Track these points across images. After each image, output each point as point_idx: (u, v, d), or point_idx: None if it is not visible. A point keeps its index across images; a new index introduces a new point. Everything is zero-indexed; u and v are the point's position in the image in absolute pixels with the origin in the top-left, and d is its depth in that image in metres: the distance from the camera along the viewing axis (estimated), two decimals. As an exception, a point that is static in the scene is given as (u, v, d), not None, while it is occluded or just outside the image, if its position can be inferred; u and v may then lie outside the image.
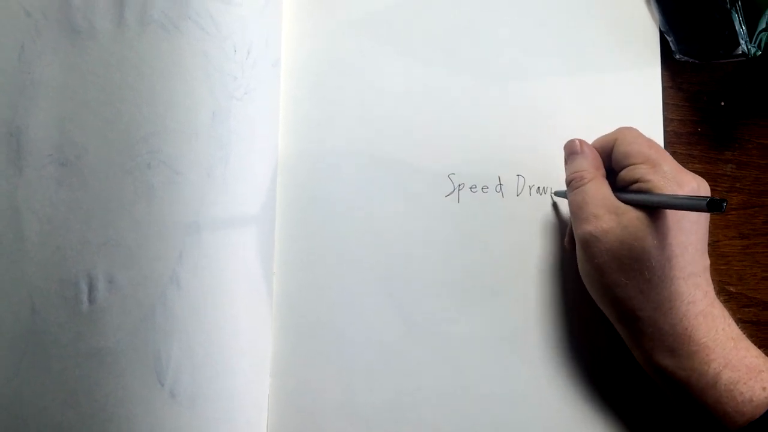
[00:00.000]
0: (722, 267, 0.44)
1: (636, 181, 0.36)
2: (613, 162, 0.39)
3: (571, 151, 0.40)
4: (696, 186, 0.36)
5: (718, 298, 0.43)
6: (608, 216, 0.36)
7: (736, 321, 0.37)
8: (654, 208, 0.35)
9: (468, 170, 0.44)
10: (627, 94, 0.46)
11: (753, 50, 0.41)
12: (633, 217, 0.35)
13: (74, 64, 0.39)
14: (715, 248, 0.45)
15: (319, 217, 0.44)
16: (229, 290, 0.39)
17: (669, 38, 0.45)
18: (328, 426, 0.42)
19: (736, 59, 0.42)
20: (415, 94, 0.45)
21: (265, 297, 0.42)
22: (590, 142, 0.41)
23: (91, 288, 0.38)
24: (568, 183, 0.40)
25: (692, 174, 0.37)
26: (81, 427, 0.37)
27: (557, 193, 0.44)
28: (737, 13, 0.41)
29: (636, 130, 0.39)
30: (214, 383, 0.39)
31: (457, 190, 0.44)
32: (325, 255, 0.43)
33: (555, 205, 0.44)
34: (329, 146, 0.44)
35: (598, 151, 0.40)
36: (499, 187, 0.44)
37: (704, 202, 0.28)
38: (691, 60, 0.45)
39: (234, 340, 0.39)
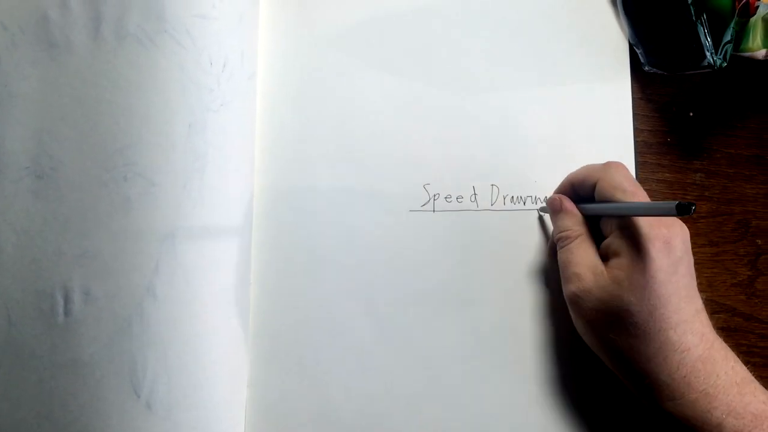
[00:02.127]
0: (693, 274, 0.45)
1: (613, 199, 0.37)
2: (596, 195, 0.39)
3: (554, 209, 0.42)
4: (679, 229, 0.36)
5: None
6: (589, 275, 0.37)
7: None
8: (624, 217, 0.35)
9: (443, 180, 0.45)
10: (598, 105, 0.46)
11: (719, 62, 0.42)
12: (610, 276, 0.36)
13: (51, 78, 0.39)
14: (685, 256, 0.45)
15: (296, 228, 0.44)
16: (205, 301, 0.39)
17: (638, 51, 0.46)
18: (305, 435, 0.42)
19: (703, 71, 0.43)
20: (389, 107, 0.45)
21: (241, 307, 0.42)
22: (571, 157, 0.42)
23: (67, 300, 0.38)
24: (556, 241, 0.41)
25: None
26: (56, 438, 0.37)
27: (543, 209, 0.45)
28: (703, 26, 0.42)
29: (624, 169, 0.39)
30: (191, 394, 0.39)
31: (432, 200, 0.45)
32: (301, 265, 0.43)
33: (541, 219, 0.45)
34: (305, 158, 0.45)
35: (580, 180, 0.41)
36: (473, 197, 0.45)
37: (673, 206, 0.29)
38: (660, 72, 0.46)
39: (211, 351, 0.39)
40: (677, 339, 0.35)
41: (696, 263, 0.45)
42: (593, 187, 0.39)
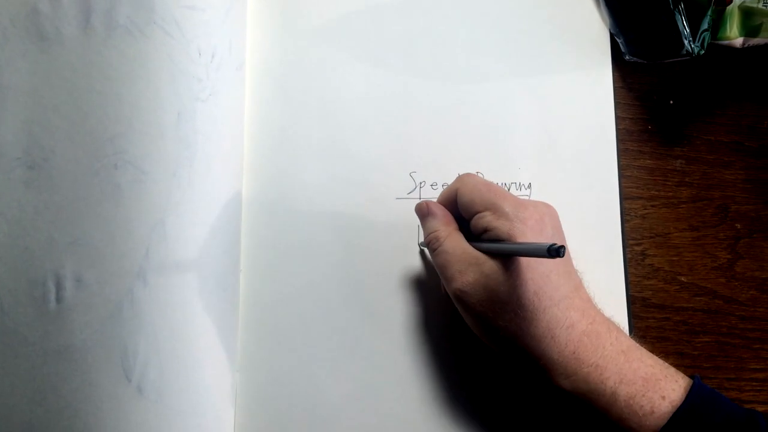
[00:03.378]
0: (674, 258, 0.46)
1: (485, 230, 0.37)
2: (461, 211, 0.39)
3: (421, 214, 0.41)
4: (539, 217, 0.36)
5: (671, 287, 0.45)
6: (470, 269, 0.36)
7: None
8: (506, 256, 0.35)
9: (428, 168, 0.46)
10: (580, 94, 0.47)
11: (696, 49, 0.43)
12: (492, 264, 0.35)
13: (42, 70, 0.40)
14: (666, 240, 0.46)
15: (285, 216, 0.45)
16: (195, 286, 0.40)
17: (619, 40, 0.47)
18: (294, 418, 0.42)
19: (682, 59, 0.44)
20: (375, 97, 0.46)
21: (231, 293, 0.43)
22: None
23: (59, 287, 0.38)
24: (427, 245, 0.40)
25: (534, 204, 0.37)
26: (49, 423, 0.38)
27: (423, 244, 0.45)
28: (680, 14, 0.43)
29: (474, 177, 0.40)
30: (181, 378, 0.39)
31: (418, 187, 0.46)
32: (290, 251, 0.44)
33: (422, 253, 0.45)
34: (293, 147, 0.45)
35: (446, 203, 0.41)
36: (458, 183, 0.46)
37: (545, 249, 0.30)
38: (640, 61, 0.46)
39: (201, 335, 0.40)
40: (561, 315, 0.35)
41: (677, 247, 0.46)
42: (455, 202, 0.39)
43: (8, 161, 0.40)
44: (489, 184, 0.38)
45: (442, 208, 0.40)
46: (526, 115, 0.47)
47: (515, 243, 0.35)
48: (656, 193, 0.47)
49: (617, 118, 0.47)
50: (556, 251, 0.29)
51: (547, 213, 0.37)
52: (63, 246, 0.39)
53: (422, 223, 0.41)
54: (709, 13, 0.43)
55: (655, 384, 0.35)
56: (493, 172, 0.46)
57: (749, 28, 0.44)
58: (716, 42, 0.45)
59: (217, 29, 0.42)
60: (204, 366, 0.40)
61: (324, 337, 0.43)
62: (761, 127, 0.48)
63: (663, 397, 0.34)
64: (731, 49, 0.45)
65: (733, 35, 0.44)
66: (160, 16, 0.40)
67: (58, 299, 0.38)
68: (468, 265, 0.36)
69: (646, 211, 0.47)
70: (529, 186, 0.46)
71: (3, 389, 0.38)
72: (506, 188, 0.46)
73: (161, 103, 0.40)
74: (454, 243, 0.38)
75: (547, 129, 0.47)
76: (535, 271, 0.35)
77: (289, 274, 0.44)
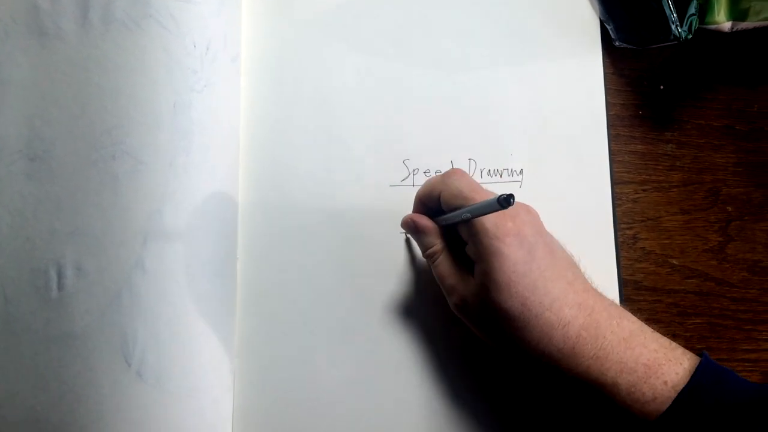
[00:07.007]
0: (665, 241, 0.46)
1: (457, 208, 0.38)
2: (442, 206, 0.39)
3: (411, 230, 0.42)
4: (517, 230, 0.36)
5: (662, 270, 0.46)
6: (460, 285, 0.38)
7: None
8: (464, 222, 0.36)
9: (422, 156, 0.46)
10: (571, 80, 0.48)
11: (684, 34, 0.43)
12: (476, 283, 0.36)
13: (42, 64, 0.41)
14: (658, 223, 0.47)
15: (281, 204, 0.45)
16: (193, 274, 0.41)
17: (609, 27, 0.48)
18: (292, 403, 0.43)
19: (670, 43, 0.44)
20: (369, 87, 0.47)
21: (228, 280, 0.43)
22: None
23: (60, 276, 0.39)
24: (426, 259, 0.41)
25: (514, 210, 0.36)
26: (51, 408, 0.39)
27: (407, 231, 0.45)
28: (667, -2, 0.43)
29: (459, 176, 0.39)
30: (180, 363, 0.40)
31: (412, 175, 0.46)
32: (286, 239, 0.45)
33: (408, 240, 0.46)
34: (289, 136, 0.46)
35: (426, 196, 0.41)
36: (451, 171, 0.46)
37: (495, 201, 0.30)
38: (630, 47, 0.47)
39: (199, 321, 0.41)
40: (555, 317, 0.35)
41: (668, 231, 0.46)
42: (438, 199, 0.39)
43: (10, 154, 0.41)
44: (472, 184, 0.38)
45: (428, 221, 0.40)
46: (517, 102, 0.47)
47: (469, 205, 0.36)
48: (647, 177, 0.47)
49: (608, 103, 0.48)
50: (506, 200, 0.30)
51: (528, 221, 0.37)
52: (63, 236, 0.40)
53: (414, 238, 0.42)
54: (696, -3, 0.43)
55: (657, 369, 0.34)
56: (485, 159, 0.46)
57: (737, 12, 0.45)
58: (704, 27, 0.45)
59: (211, 22, 0.43)
60: (202, 351, 0.41)
61: (320, 323, 0.44)
62: (751, 111, 0.49)
63: (665, 383, 0.34)
64: (720, 33, 0.45)
65: (721, 19, 0.45)
66: (155, 9, 0.41)
67: (60, 287, 0.39)
68: (458, 281, 0.38)
69: (638, 195, 0.47)
70: (521, 172, 0.46)
71: (7, 375, 0.39)
72: (498, 175, 0.46)
73: (157, 95, 0.41)
74: (445, 259, 0.39)
75: (539, 116, 0.47)
76: (518, 284, 0.35)
77: (285, 261, 0.45)
